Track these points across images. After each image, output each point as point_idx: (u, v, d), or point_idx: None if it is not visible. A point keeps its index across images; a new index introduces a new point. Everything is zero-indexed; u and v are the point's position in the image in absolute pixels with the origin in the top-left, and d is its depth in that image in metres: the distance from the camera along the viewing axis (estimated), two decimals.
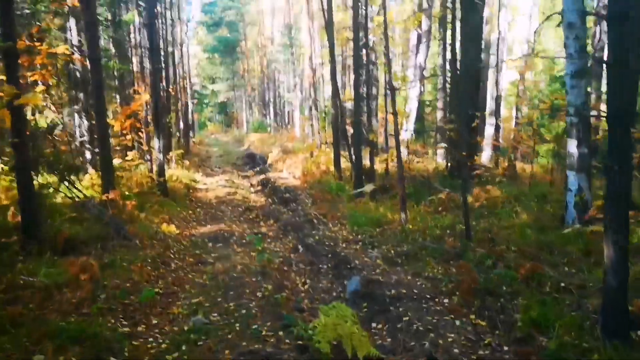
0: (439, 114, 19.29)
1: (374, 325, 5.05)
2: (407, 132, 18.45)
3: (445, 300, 5.43)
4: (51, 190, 8.71)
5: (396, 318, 5.03)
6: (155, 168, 13.07)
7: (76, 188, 8.75)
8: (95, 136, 12.48)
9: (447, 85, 19.24)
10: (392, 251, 7.58)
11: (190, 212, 11.63)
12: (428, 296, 5.54)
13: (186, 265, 7.33)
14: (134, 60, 17.98)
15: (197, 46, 46.55)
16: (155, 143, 12.91)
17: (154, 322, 5.13)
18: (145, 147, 15.04)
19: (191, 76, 32.11)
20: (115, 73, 16.36)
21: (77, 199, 8.62)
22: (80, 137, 13.80)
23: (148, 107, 15.02)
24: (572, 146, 7.80)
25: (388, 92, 17.49)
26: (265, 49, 43.38)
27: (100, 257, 6.57)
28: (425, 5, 17.59)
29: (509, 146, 17.39)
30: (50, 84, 12.64)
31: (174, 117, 22.63)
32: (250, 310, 5.33)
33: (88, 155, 13.39)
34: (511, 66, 19.40)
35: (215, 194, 13.93)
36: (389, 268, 6.75)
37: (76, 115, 13.97)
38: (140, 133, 15.11)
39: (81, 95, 13.61)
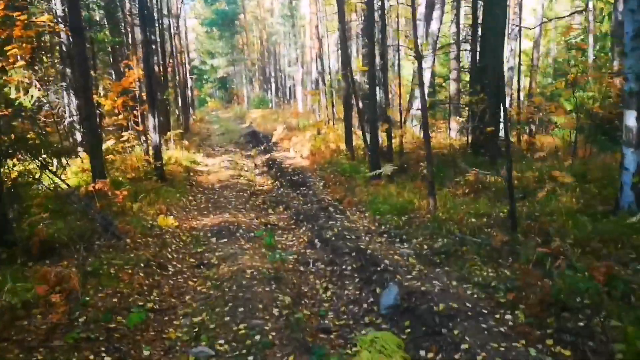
0: (452, 86, 17.99)
1: (422, 354, 3.97)
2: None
3: (508, 317, 4.32)
4: (30, 179, 7.61)
5: (451, 344, 3.94)
6: (151, 150, 11.95)
7: (57, 176, 7.64)
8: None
9: (461, 54, 17.95)
10: (426, 247, 6.47)
11: (190, 198, 10.54)
12: (485, 311, 4.43)
13: (186, 269, 6.25)
14: (128, 32, 16.69)
15: (195, 19, 44.80)
16: (150, 122, 11.74)
17: (145, 353, 4.07)
18: (140, 127, 13.88)
19: (189, 51, 30.65)
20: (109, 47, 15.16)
21: (59, 190, 7.52)
22: (70, 116, 12.66)
23: (142, 83, 13.78)
24: (631, 118, 6.65)
25: (402, 63, 16.29)
26: (265, 21, 41.75)
27: (82, 263, 5.50)
28: None
29: (524, 118, 16.15)
30: (37, 59, 11.49)
31: (172, 94, 21.38)
32: (265, 335, 4.26)
33: (79, 136, 12.28)
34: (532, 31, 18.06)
35: (218, 177, 12.82)
36: (427, 270, 5.65)
37: (64, 92, 12.80)
38: (134, 112, 13.93)
39: (69, 70, 12.44)
